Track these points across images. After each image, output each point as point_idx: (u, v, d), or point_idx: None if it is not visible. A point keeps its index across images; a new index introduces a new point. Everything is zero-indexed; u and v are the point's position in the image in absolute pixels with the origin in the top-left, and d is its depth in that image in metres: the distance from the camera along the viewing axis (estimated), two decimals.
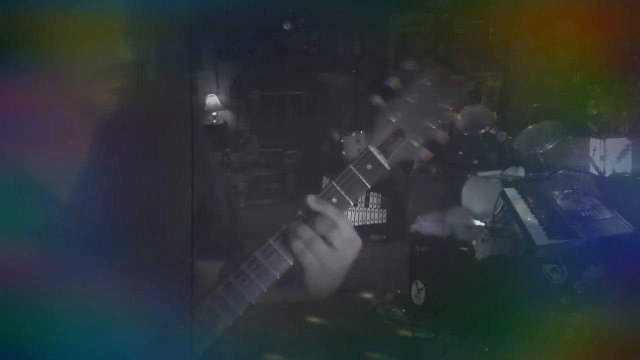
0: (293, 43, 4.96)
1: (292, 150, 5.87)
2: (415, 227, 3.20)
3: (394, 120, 1.08)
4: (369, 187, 1.10)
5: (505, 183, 2.84)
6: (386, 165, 1.09)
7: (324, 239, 1.08)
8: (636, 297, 2.26)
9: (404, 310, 3.09)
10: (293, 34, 4.91)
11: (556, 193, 2.74)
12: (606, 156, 3.01)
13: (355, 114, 4.96)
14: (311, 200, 1.09)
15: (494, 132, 3.47)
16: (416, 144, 1.07)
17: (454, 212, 3.09)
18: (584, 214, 2.62)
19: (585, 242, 2.44)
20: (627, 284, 2.31)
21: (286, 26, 4.85)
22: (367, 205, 3.68)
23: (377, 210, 3.68)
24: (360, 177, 1.10)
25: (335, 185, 1.11)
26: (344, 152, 4.31)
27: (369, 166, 1.09)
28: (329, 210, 1.09)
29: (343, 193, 1.10)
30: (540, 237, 2.51)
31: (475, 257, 2.84)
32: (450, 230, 3.02)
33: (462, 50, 4.57)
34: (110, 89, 1.03)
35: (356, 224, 3.74)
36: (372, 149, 1.09)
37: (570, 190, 2.76)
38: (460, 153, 3.56)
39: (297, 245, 1.07)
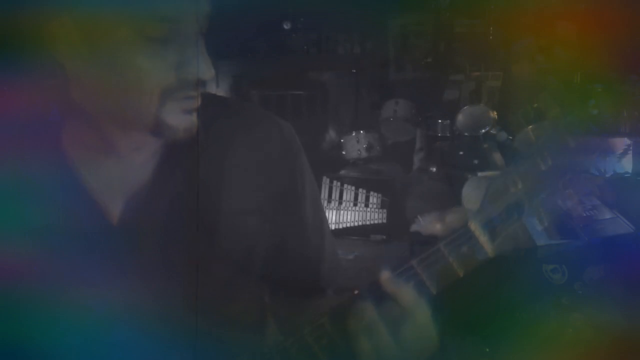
0: (293, 43, 4.95)
1: None
2: (415, 227, 3.20)
3: (512, 190, 0.79)
4: (460, 276, 0.85)
5: None
6: (488, 250, 0.83)
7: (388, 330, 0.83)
8: (637, 297, 2.26)
9: None
10: (293, 33, 4.91)
11: None
12: (606, 156, 3.00)
13: (355, 114, 4.96)
14: (384, 278, 0.84)
15: (494, 132, 3.47)
16: (539, 227, 0.74)
17: (454, 211, 3.08)
18: (584, 214, 2.61)
19: (586, 242, 2.44)
20: (628, 284, 2.30)
21: (286, 26, 4.84)
22: (367, 205, 3.68)
23: (377, 210, 3.67)
24: (451, 260, 0.85)
25: (415, 266, 0.86)
26: (344, 152, 4.31)
27: (464, 248, 0.84)
28: (403, 296, 0.83)
29: (424, 277, 0.85)
30: (540, 237, 2.50)
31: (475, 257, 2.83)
32: (450, 230, 3.01)
33: (462, 50, 4.57)
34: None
35: (356, 224, 3.73)
36: (473, 226, 0.82)
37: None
38: (461, 153, 3.56)
39: (354, 327, 0.84)
